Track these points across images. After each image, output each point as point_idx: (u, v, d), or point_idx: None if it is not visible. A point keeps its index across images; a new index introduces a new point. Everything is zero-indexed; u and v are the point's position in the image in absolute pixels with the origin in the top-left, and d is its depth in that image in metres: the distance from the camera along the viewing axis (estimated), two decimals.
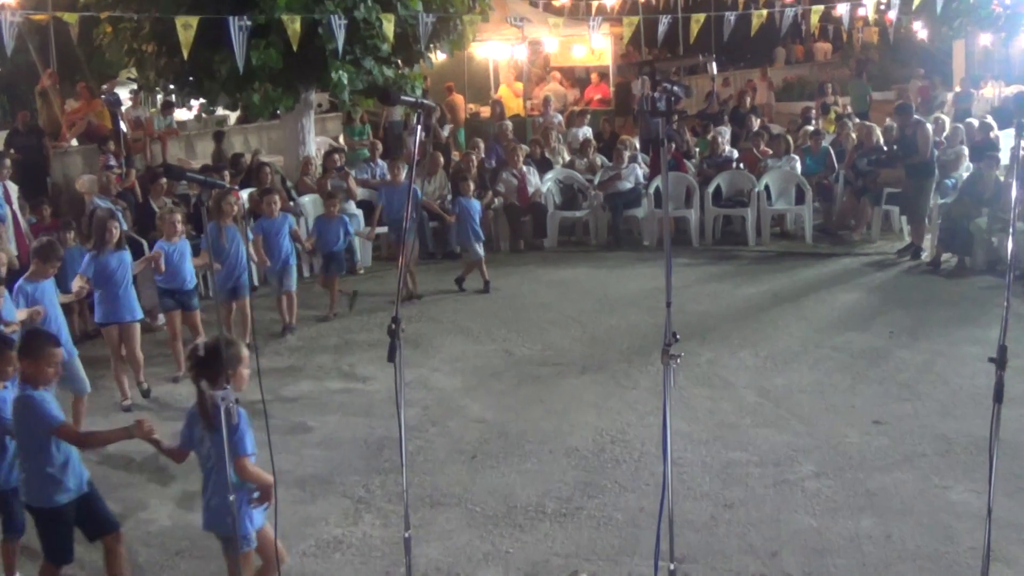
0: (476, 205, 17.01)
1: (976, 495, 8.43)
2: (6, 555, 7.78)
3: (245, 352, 6.55)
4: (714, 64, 30.27)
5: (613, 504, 8.94)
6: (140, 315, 12.23)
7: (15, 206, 14.53)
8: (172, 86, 20.48)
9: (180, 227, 12.71)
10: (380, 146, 21.93)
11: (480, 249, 16.50)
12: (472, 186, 17.37)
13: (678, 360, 5.76)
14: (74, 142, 22.90)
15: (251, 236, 14.35)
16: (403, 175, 16.98)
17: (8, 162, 15.19)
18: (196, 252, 13.28)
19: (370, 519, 8.91)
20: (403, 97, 6.36)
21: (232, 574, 6.64)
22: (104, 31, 19.69)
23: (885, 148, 18.95)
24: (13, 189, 15.03)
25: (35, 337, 7.50)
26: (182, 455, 6.83)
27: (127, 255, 12.04)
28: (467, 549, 8.33)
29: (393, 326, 5.68)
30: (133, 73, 21.84)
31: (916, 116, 17.86)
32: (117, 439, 7.26)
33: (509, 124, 23.48)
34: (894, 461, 9.54)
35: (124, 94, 27.02)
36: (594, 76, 33.41)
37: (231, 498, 6.11)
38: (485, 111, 29.31)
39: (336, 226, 15.74)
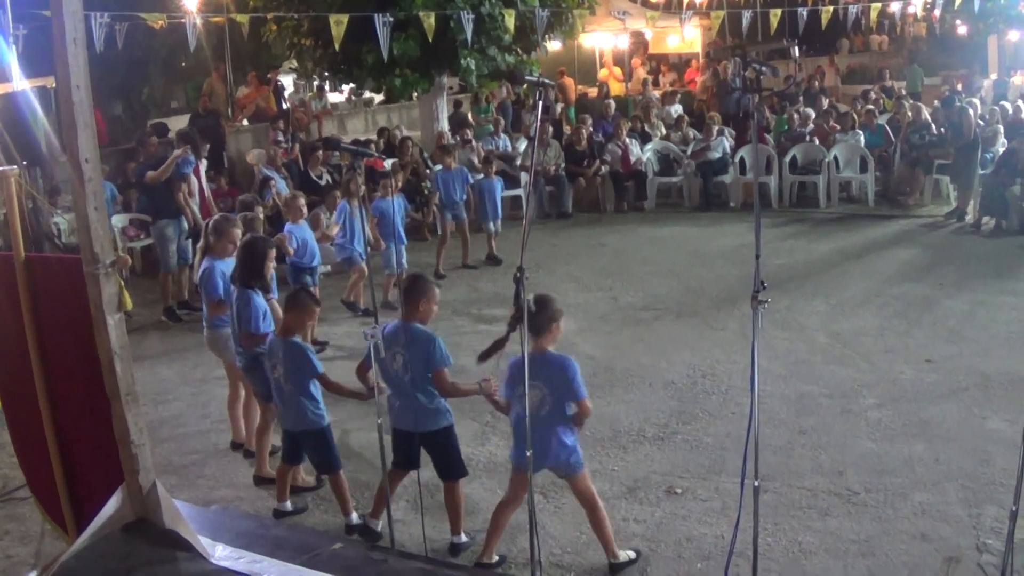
0: (497, 186, 16.23)
1: (1009, 424, 8.35)
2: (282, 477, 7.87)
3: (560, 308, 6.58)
4: (796, 48, 29.87)
5: (704, 430, 8.89)
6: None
7: (203, 180, 14.66)
8: (327, 73, 20.81)
9: (304, 210, 12.46)
10: (503, 122, 21.96)
11: (492, 226, 15.94)
12: (493, 168, 16.51)
13: (765, 306, 5.66)
14: (245, 122, 23.13)
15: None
16: (454, 160, 15.76)
17: (204, 145, 15.31)
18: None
19: (495, 440, 8.94)
20: (526, 77, 6.35)
21: (584, 491, 6.63)
22: (270, 29, 20.08)
23: (934, 131, 18.77)
24: (203, 164, 15.14)
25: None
26: (508, 406, 6.83)
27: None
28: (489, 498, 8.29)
29: (518, 274, 5.64)
30: (294, 63, 22.08)
31: (959, 103, 17.86)
32: (470, 393, 7.12)
33: (612, 103, 23.44)
34: (942, 395, 9.52)
35: (287, 81, 27.41)
36: (693, 62, 33.23)
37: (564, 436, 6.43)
38: (592, 91, 29.29)
39: (456, 177, 15.41)
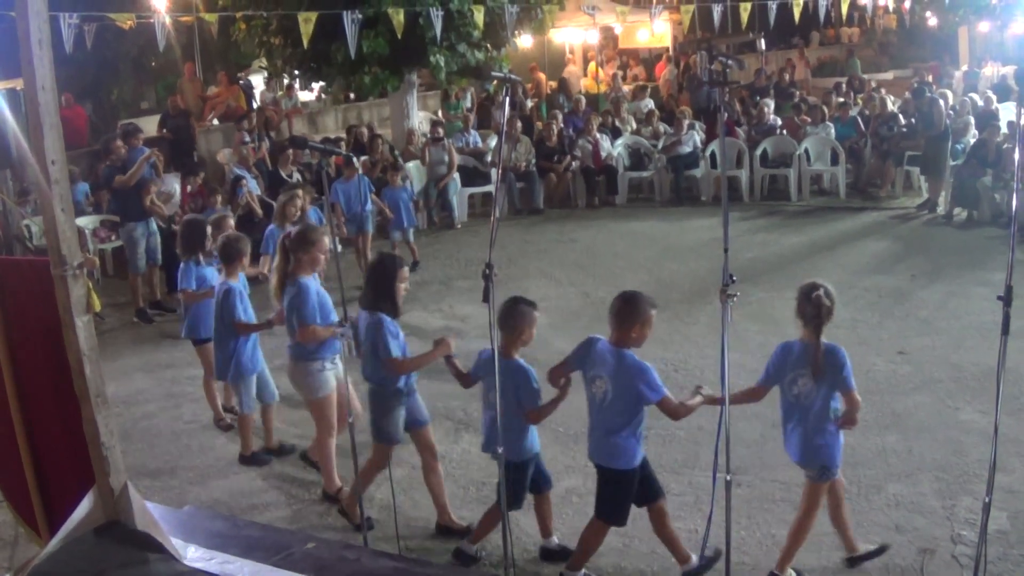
0: (403, 194, 15.57)
1: (982, 415, 8.40)
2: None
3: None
4: (763, 41, 29.97)
5: (676, 424, 8.87)
6: None
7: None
8: (296, 72, 20.77)
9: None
10: (472, 118, 21.96)
11: (399, 235, 15.42)
12: (399, 178, 15.85)
13: (734, 299, 5.69)
14: (215, 122, 23.08)
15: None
16: (355, 171, 14.80)
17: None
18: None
19: (468, 438, 8.96)
20: (493, 73, 6.34)
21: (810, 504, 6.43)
22: (239, 27, 20.06)
23: (902, 122, 18.95)
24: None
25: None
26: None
27: None
28: (552, 463, 8.30)
29: (487, 271, 5.63)
30: (263, 62, 22.03)
31: (930, 94, 17.93)
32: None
33: (583, 98, 23.45)
34: (914, 386, 9.61)
35: (257, 80, 27.35)
36: (664, 57, 33.26)
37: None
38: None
39: (355, 188, 14.66)
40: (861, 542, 6.64)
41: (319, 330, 7.60)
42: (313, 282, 7.80)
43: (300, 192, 11.51)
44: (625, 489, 6.40)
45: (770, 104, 20.73)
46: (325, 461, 8.05)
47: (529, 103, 25.53)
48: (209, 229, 9.86)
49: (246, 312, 8.78)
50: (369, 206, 14.62)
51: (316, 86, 22.79)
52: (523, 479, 6.76)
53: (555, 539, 7.04)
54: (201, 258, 9.62)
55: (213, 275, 9.45)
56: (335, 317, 7.69)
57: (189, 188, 15.73)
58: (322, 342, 7.70)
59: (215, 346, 8.91)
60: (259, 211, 15.33)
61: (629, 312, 6.35)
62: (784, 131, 19.60)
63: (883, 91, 22.12)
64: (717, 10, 23.96)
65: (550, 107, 23.84)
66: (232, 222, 11.21)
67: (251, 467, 8.77)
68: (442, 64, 18.88)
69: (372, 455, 7.33)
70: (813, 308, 6.23)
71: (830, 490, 6.45)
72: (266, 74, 23.91)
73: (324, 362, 7.79)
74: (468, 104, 25.15)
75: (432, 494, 7.45)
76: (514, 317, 6.64)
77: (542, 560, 6.95)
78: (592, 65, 31.27)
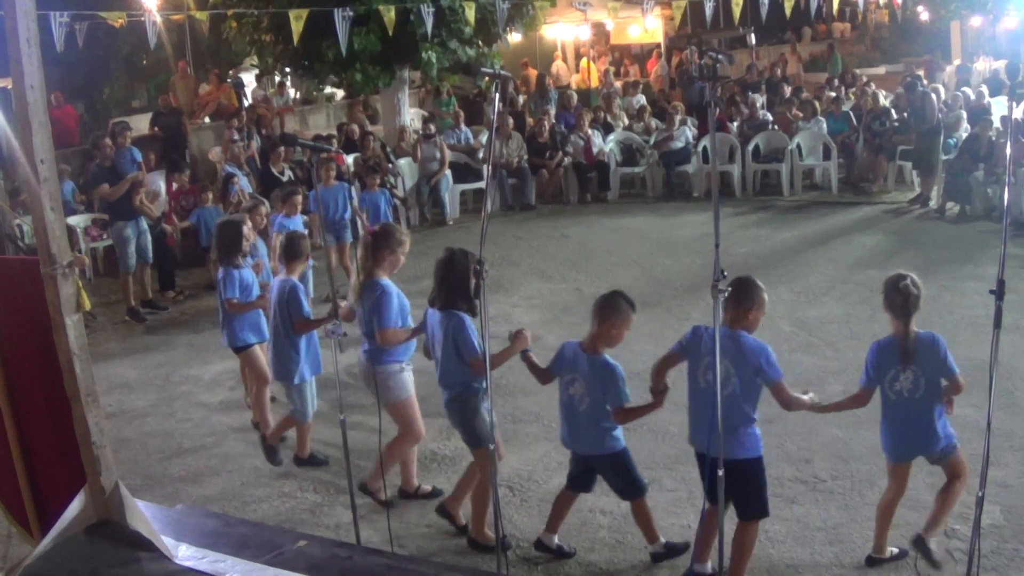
0: (380, 199, 15.00)
1: (975, 409, 8.32)
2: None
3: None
4: (752, 35, 29.97)
5: (669, 420, 8.87)
6: None
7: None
8: (288, 69, 20.76)
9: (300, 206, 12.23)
10: (463, 115, 21.93)
11: None
12: (377, 180, 15.36)
13: (726, 294, 5.68)
14: (207, 120, 23.06)
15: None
16: (333, 176, 14.13)
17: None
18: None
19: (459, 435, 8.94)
20: (482, 69, 6.29)
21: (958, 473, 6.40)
22: (230, 25, 19.98)
23: (895, 116, 18.90)
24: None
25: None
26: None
27: None
28: (543, 460, 8.34)
29: (478, 268, 5.62)
30: (255, 60, 22.00)
31: (922, 88, 17.86)
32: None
33: (575, 94, 23.40)
34: None
35: (248, 78, 27.32)
36: (655, 53, 33.23)
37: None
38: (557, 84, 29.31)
39: (335, 194, 14.06)
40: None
41: (400, 333, 7.42)
42: (393, 284, 7.60)
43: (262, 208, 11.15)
44: (763, 476, 6.30)
45: (760, 100, 20.73)
46: (407, 464, 7.92)
47: (521, 99, 25.52)
48: (246, 226, 9.28)
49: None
50: (348, 213, 13.89)
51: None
52: (629, 464, 6.73)
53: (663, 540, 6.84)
54: (239, 260, 8.99)
55: (252, 278, 9.10)
56: (411, 321, 7.57)
57: (175, 185, 15.72)
58: (402, 345, 7.52)
59: (276, 346, 8.41)
60: None
61: (746, 295, 6.27)
62: (776, 126, 19.63)
63: (874, 86, 22.16)
64: (709, 5, 23.92)
65: (530, 101, 23.90)
66: (265, 210, 10.99)
67: (307, 467, 8.62)
68: (433, 61, 18.86)
69: (474, 464, 7.18)
70: (901, 298, 6.16)
71: (896, 486, 6.48)
72: (257, 72, 23.89)
73: (403, 363, 7.60)
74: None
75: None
76: (608, 309, 6.56)
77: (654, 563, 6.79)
78: (584, 61, 31.24)
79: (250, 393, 9.64)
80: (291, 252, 8.50)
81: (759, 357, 6.10)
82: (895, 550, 6.58)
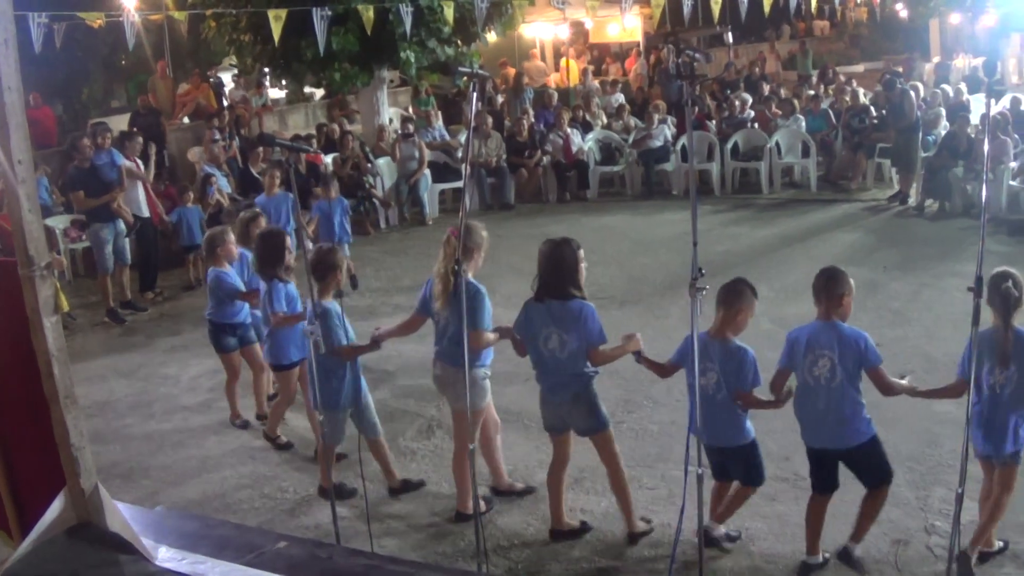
0: (337, 207, 13.92)
1: (956, 406, 8.30)
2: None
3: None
4: (729, 34, 30.03)
5: (648, 418, 8.94)
6: None
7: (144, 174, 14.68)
8: (266, 69, 20.75)
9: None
10: (439, 114, 21.92)
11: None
12: (333, 189, 14.13)
13: (703, 292, 5.71)
14: (186, 120, 23.00)
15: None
16: (277, 185, 13.80)
17: (140, 140, 15.14)
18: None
19: (440, 434, 8.95)
20: (460, 68, 6.28)
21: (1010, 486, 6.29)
22: (209, 25, 19.98)
23: (875, 113, 19.01)
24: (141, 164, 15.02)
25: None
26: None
27: None
28: (524, 458, 8.34)
29: (456, 267, 5.63)
30: (234, 59, 21.97)
31: (901, 86, 17.87)
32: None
33: (555, 93, 23.42)
34: None
35: (227, 78, 27.25)
36: (634, 51, 33.28)
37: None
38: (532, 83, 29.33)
39: (336, 208, 13.81)
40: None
41: (490, 336, 7.26)
42: (478, 284, 7.33)
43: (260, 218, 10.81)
44: (881, 447, 6.53)
45: (747, 98, 20.76)
46: (464, 479, 7.35)
47: (500, 98, 25.53)
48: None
49: (347, 334, 7.76)
50: (292, 225, 12.61)
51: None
52: (756, 454, 6.77)
53: (722, 528, 6.89)
54: (284, 274, 8.48)
55: (295, 291, 8.58)
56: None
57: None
58: (487, 349, 7.36)
59: (320, 374, 7.05)
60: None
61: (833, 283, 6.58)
62: (755, 124, 19.69)
63: (854, 83, 22.23)
64: (687, 4, 23.95)
65: (508, 100, 23.95)
66: (264, 221, 10.26)
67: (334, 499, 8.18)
68: (412, 60, 18.90)
69: (605, 450, 7.07)
70: (1000, 298, 6.13)
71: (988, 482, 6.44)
72: (235, 71, 23.86)
73: (486, 369, 7.43)
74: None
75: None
76: (733, 295, 6.70)
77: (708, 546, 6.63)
78: (564, 60, 31.29)
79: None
80: (322, 271, 7.67)
81: (859, 343, 6.37)
82: (1001, 543, 6.56)
